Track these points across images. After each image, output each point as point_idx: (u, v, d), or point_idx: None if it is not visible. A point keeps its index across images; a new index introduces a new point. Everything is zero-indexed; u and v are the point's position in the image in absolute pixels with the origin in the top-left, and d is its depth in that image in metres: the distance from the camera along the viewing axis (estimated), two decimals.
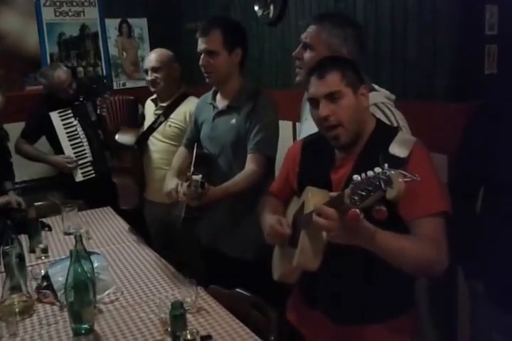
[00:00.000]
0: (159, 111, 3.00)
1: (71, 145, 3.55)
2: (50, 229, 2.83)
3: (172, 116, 2.95)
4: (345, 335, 1.68)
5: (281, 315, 1.86)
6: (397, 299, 1.65)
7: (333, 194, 1.33)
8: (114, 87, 4.37)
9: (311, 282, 1.71)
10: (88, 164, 3.55)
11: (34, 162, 3.63)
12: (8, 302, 1.88)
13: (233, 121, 2.31)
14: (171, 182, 2.26)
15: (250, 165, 2.25)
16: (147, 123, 3.07)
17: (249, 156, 2.26)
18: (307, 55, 1.93)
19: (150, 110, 3.10)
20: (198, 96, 2.70)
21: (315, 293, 1.73)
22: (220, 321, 1.82)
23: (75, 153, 3.53)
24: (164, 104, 2.99)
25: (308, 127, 2.09)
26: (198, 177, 2.02)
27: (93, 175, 3.54)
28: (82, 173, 3.53)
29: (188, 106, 2.93)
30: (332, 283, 1.66)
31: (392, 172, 1.14)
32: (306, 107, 2.15)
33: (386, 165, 1.15)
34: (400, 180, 1.12)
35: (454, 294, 2.33)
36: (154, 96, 3.07)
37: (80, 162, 3.54)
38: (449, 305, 2.36)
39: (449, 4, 2.19)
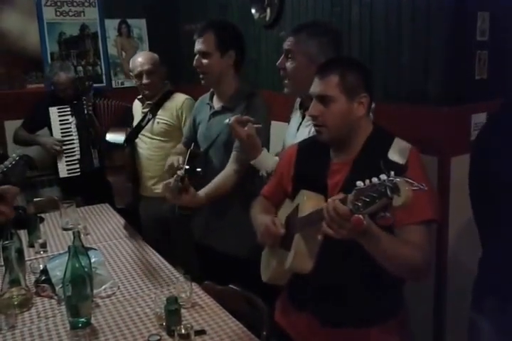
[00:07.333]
0: (146, 109, 3.04)
1: (63, 141, 3.56)
2: (41, 221, 2.84)
3: (159, 113, 2.99)
4: (334, 338, 1.67)
5: (273, 312, 1.87)
6: (387, 302, 1.66)
7: (335, 198, 1.30)
8: (113, 86, 4.40)
9: (300, 285, 1.70)
10: (75, 162, 3.56)
11: (28, 147, 3.62)
12: (7, 296, 1.90)
13: (227, 121, 2.35)
14: (174, 158, 2.34)
15: (231, 164, 2.28)
16: (136, 121, 3.09)
17: (232, 155, 2.28)
18: (289, 65, 2.00)
19: (138, 109, 3.13)
20: (197, 95, 2.73)
21: (304, 296, 1.72)
22: (213, 316, 1.84)
23: (64, 149, 3.55)
24: (151, 102, 3.03)
25: (291, 133, 2.14)
26: (181, 172, 2.07)
27: (78, 174, 3.54)
28: (68, 170, 3.54)
29: (175, 102, 2.99)
30: (322, 286, 1.65)
31: (398, 179, 1.12)
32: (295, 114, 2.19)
33: (392, 173, 1.14)
34: (407, 188, 1.11)
35: (442, 296, 2.38)
36: (141, 95, 3.11)
37: (68, 159, 3.54)
38: (438, 308, 2.41)
39: (442, 10, 2.22)
